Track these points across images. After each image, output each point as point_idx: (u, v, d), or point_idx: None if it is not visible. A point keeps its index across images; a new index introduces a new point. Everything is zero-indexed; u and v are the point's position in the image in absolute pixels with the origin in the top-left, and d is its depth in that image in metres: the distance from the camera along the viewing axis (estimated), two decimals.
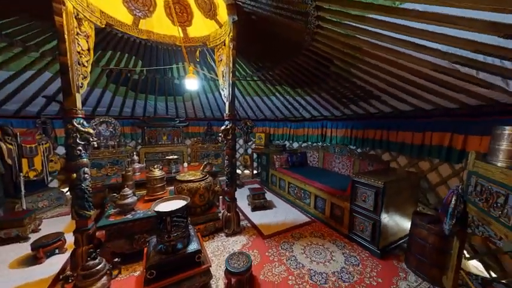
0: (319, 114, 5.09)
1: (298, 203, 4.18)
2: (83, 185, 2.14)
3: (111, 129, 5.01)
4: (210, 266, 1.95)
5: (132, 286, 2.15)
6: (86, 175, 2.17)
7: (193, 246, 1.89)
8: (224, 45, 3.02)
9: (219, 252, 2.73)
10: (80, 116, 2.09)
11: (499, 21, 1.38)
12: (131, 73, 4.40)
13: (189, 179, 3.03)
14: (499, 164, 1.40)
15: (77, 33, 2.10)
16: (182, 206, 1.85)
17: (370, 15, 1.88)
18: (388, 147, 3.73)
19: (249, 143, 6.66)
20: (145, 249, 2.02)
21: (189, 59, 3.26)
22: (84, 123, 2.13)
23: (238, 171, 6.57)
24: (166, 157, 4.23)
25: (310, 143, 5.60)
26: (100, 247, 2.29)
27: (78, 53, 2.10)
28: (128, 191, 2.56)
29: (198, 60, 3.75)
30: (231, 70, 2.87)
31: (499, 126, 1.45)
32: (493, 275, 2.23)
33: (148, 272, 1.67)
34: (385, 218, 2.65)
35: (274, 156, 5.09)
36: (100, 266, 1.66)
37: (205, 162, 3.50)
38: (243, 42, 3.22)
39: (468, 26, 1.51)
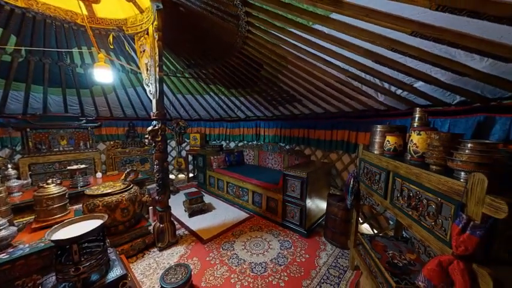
0: (253, 115, 5.39)
1: (237, 201, 4.28)
2: None
3: None
4: None
5: None
6: None
7: (115, 273, 1.56)
8: (147, 34, 2.65)
9: (151, 270, 2.39)
10: None
11: (372, 50, 1.93)
12: None
13: (105, 191, 2.47)
14: (375, 152, 1.96)
15: None
16: (95, 228, 1.48)
17: (290, 29, 2.17)
18: (308, 143, 4.44)
19: (183, 145, 6.18)
20: None
21: (98, 45, 2.65)
22: None
23: (172, 176, 5.98)
24: (69, 167, 3.27)
25: (246, 142, 5.84)
26: None
27: None
28: None
29: (112, 47, 3.10)
30: (157, 64, 2.56)
31: (374, 125, 2.04)
32: (375, 231, 3.12)
33: None
34: (309, 202, 3.16)
35: (212, 157, 4.97)
36: None
37: (128, 170, 2.95)
38: (171, 34, 2.94)
39: (355, 50, 2.02)
